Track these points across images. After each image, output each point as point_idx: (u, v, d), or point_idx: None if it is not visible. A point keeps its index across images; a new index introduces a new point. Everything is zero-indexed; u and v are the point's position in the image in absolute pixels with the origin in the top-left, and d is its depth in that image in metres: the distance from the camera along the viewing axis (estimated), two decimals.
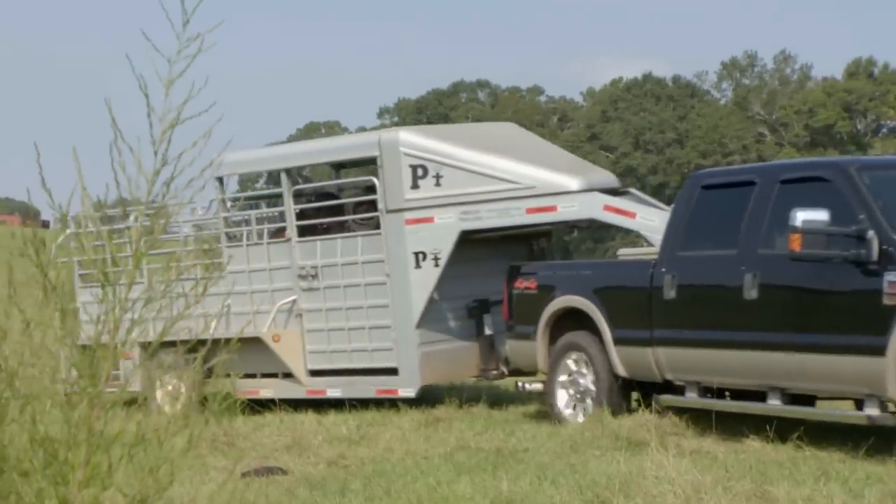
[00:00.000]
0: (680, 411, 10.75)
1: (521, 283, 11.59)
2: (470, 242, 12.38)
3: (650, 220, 11.23)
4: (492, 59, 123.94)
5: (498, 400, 13.00)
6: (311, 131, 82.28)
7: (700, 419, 10.53)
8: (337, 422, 12.25)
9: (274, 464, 9.96)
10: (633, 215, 11.41)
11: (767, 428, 9.59)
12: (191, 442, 3.16)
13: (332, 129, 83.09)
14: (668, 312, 10.23)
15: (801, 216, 8.92)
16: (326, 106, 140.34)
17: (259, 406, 13.74)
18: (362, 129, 72.03)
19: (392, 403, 12.77)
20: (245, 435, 11.64)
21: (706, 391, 10.20)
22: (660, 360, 10.33)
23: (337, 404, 13.11)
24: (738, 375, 9.80)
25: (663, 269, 10.28)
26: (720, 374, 9.98)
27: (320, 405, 13.20)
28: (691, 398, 10.21)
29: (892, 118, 64.38)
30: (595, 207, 11.58)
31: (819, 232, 8.93)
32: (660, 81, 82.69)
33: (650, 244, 11.26)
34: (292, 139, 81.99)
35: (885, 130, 66.71)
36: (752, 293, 9.45)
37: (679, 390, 10.41)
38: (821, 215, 8.93)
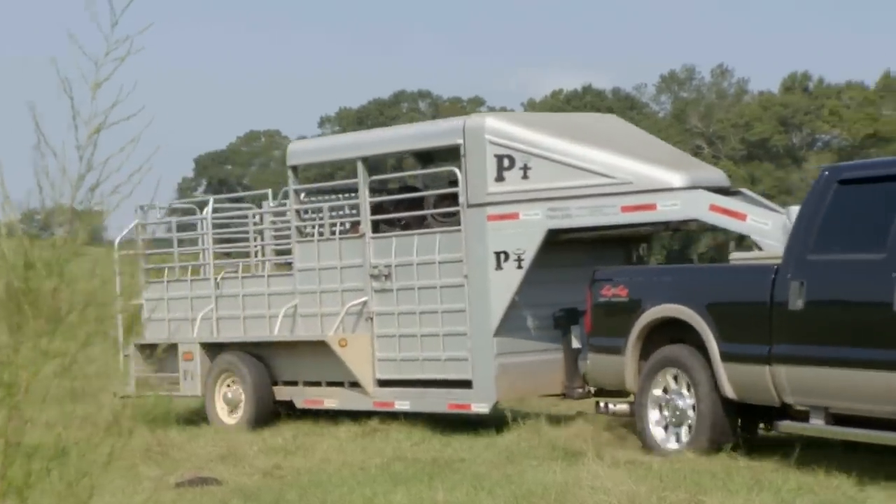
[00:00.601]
0: (611, 421, 10.76)
1: (609, 290, 10.24)
2: (560, 244, 11.28)
3: (763, 224, 10.02)
4: (433, 69, 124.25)
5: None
6: (251, 140, 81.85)
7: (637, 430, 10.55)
8: (273, 432, 12.14)
9: (208, 474, 9.84)
10: (743, 217, 10.13)
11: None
12: (112, 455, 3.08)
13: (273, 137, 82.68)
14: (793, 325, 8.84)
15: None
16: (267, 114, 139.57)
17: (194, 416, 13.57)
18: (302, 138, 71.64)
19: (329, 414, 12.64)
20: (179, 445, 11.49)
21: (833, 418, 8.80)
22: (780, 380, 8.92)
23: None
24: (881, 401, 8.37)
25: (789, 276, 8.90)
26: (856, 399, 8.55)
27: None
28: (817, 425, 8.86)
29: (827, 132, 65.26)
30: (700, 207, 10.34)
31: None
32: (599, 94, 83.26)
33: (760, 249, 10.11)
34: (231, 147, 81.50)
35: (819, 144, 67.58)
36: None
37: (798, 416, 9.04)
38: None
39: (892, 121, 57.82)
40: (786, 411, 9.11)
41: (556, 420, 11.24)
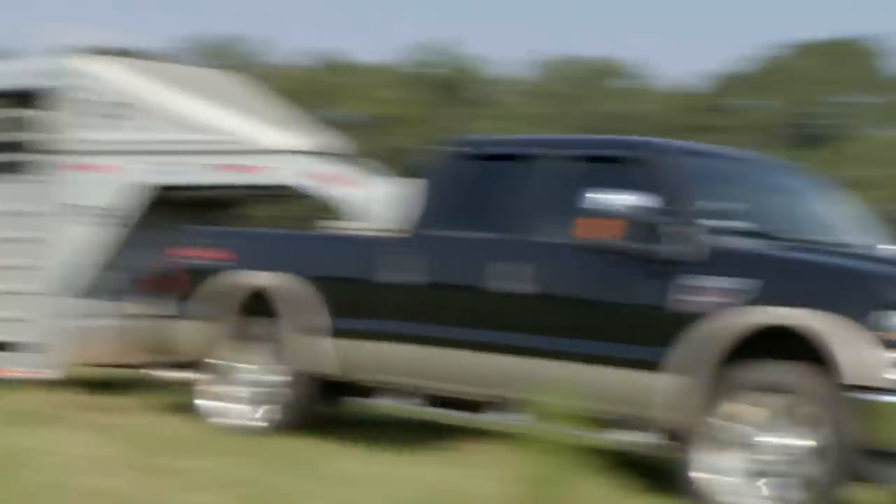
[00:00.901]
0: (98, 386, 10.33)
1: (197, 252, 9.52)
2: (154, 206, 10.38)
3: (365, 193, 9.59)
4: None
5: None
6: None
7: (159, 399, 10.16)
8: None
9: None
10: (343, 184, 9.66)
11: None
12: None
13: None
14: (403, 301, 8.47)
15: (595, 198, 7.57)
16: None
17: None
18: None
19: None
20: None
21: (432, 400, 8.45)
22: (381, 355, 8.57)
23: None
24: (463, 381, 8.17)
25: (400, 249, 8.55)
26: (439, 379, 8.30)
27: None
28: (392, 402, 8.59)
29: (351, 110, 67.38)
30: (296, 172, 9.79)
31: (613, 216, 7.51)
32: (132, 53, 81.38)
33: (357, 221, 9.51)
34: None
35: (342, 121, 69.63)
36: (508, 285, 7.97)
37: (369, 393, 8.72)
38: (620, 199, 7.53)
39: (411, 102, 60.87)
40: (365, 389, 8.74)
41: (26, 385, 10.44)
